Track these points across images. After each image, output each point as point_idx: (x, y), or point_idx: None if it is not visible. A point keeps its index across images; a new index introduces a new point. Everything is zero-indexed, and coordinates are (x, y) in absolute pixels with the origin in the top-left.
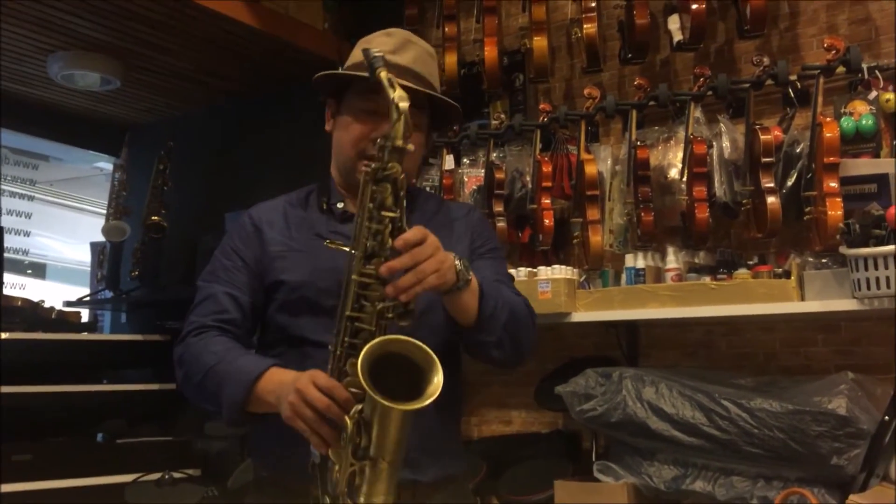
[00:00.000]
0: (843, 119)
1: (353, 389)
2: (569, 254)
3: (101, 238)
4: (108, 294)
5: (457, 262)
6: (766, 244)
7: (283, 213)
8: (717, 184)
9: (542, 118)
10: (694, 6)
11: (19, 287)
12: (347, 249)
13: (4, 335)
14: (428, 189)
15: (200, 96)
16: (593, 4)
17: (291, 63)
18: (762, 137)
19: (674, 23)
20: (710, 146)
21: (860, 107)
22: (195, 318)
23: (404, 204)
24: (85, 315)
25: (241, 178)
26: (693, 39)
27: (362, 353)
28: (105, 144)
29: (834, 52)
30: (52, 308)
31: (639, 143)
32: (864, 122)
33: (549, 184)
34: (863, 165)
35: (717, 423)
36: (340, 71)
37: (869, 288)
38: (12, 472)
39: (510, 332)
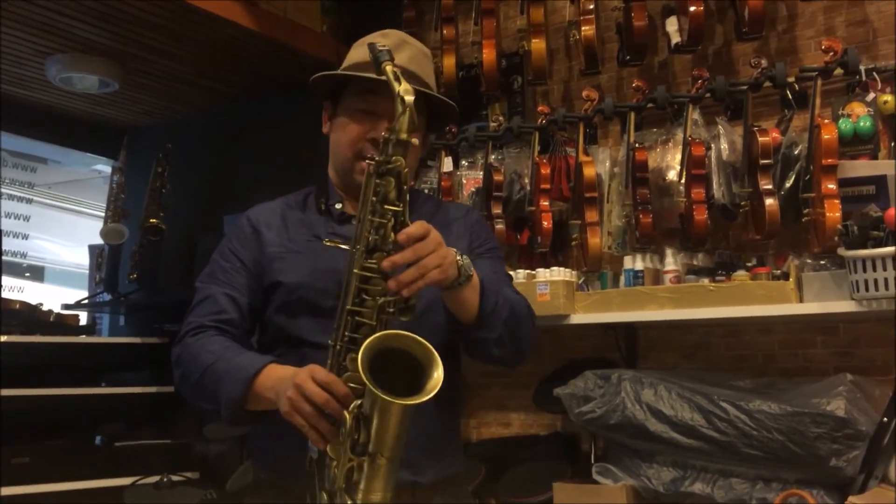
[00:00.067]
0: (841, 121)
1: (352, 385)
2: (567, 256)
3: (99, 241)
4: (107, 297)
5: (458, 257)
6: (765, 246)
7: (281, 214)
8: (715, 186)
9: (540, 120)
10: (692, 8)
11: (18, 290)
12: (346, 248)
13: (3, 338)
14: (426, 191)
15: (199, 99)
16: (591, 6)
17: (289, 65)
18: (760, 139)
19: (672, 25)
20: (709, 148)
21: (858, 108)
22: (193, 319)
23: (407, 198)
24: (83, 318)
25: (239, 180)
26: (691, 41)
27: (362, 347)
28: (103, 147)
29: (832, 53)
30: (50, 311)
31: (637, 144)
32: (862, 123)
33: (548, 186)
34: (861, 167)
35: (716, 425)
36: (336, 72)
37: (867, 289)
38: (11, 475)
39: (511, 330)
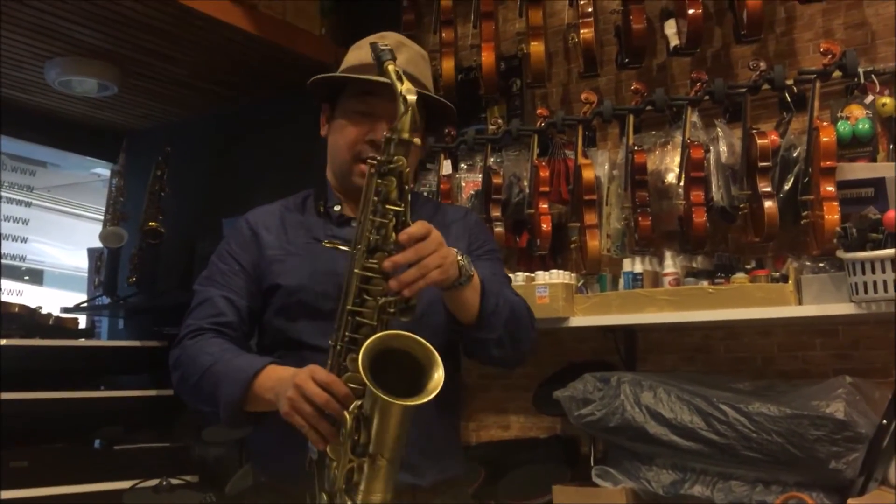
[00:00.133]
0: (839, 123)
1: (352, 385)
2: (566, 258)
3: (98, 244)
4: (106, 300)
5: (459, 257)
6: (764, 248)
7: (280, 217)
8: (714, 188)
9: (539, 123)
10: (690, 11)
11: (17, 293)
12: (346, 249)
13: (2, 341)
14: (425, 194)
15: (198, 102)
16: (590, 9)
17: (288, 68)
18: (759, 142)
19: (670, 28)
20: (707, 150)
21: (857, 111)
22: (192, 322)
23: (409, 198)
24: (82, 321)
25: (238, 183)
26: (690, 44)
27: (363, 347)
28: (102, 150)
29: (830, 56)
30: (49, 314)
31: (636, 147)
32: (860, 126)
33: (547, 188)
34: (859, 169)
35: (716, 428)
36: (334, 74)
37: (866, 292)
38: (10, 478)
39: (510, 331)
